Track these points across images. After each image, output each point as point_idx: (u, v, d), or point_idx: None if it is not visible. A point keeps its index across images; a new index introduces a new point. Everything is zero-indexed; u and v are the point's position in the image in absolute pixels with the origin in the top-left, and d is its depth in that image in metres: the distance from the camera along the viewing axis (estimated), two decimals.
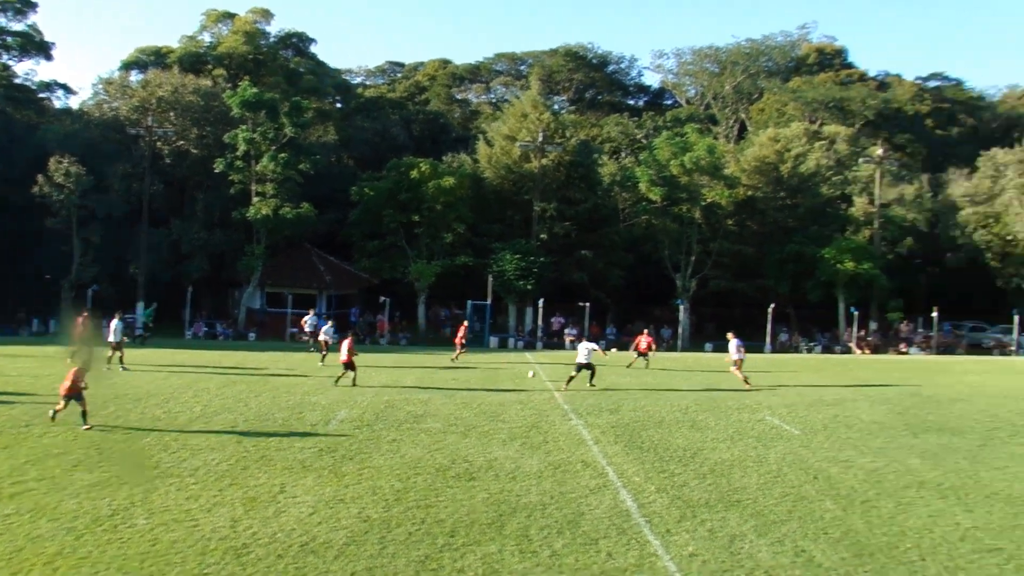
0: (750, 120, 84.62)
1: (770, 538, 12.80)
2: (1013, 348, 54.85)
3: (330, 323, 38.02)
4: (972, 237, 58.92)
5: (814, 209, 59.22)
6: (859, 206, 61.61)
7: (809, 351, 51.96)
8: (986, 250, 58.38)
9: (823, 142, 65.20)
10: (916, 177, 70.30)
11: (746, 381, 30.41)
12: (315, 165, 52.02)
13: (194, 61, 66.44)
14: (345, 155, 70.71)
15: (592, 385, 29.07)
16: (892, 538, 13.07)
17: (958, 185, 64.97)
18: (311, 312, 42.88)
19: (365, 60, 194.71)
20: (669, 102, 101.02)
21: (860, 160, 62.86)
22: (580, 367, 29.03)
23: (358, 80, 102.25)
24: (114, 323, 30.93)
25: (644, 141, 68.83)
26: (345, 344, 28.39)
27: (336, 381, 28.21)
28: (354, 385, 27.82)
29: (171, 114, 56.57)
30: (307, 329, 41.17)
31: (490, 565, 11.24)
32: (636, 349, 36.81)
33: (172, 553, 11.33)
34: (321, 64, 76.27)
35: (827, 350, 52.80)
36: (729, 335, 31.85)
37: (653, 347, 37.82)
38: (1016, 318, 54.34)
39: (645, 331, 37.87)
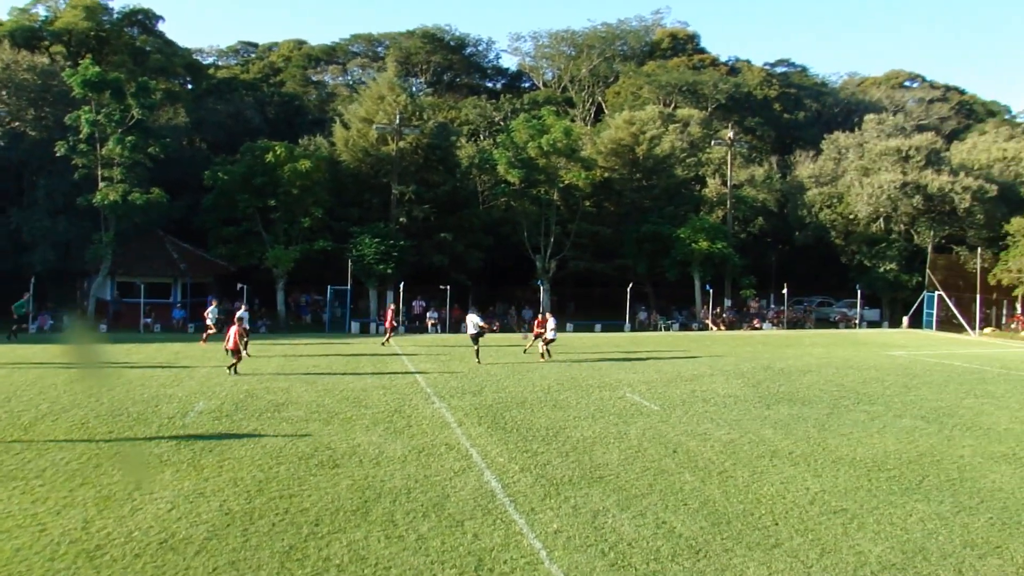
0: (606, 103, 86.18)
1: (632, 512, 13.13)
2: (856, 321, 57.91)
3: (214, 304, 37.03)
4: (818, 216, 61.86)
5: (669, 190, 60.88)
6: (712, 187, 63.71)
7: (667, 329, 53.42)
8: (831, 228, 61.35)
9: (677, 125, 67.10)
10: (766, 159, 73.37)
11: (543, 356, 32.92)
12: (165, 149, 49.87)
13: (28, 36, 62.67)
14: (197, 138, 68.29)
15: (478, 362, 30.93)
16: (748, 506, 13.61)
17: (804, 167, 68.21)
18: (214, 303, 40.54)
19: (217, 40, 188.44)
20: (527, 84, 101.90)
21: (712, 142, 64.94)
22: (474, 338, 31.83)
23: (209, 60, 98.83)
24: None
25: (502, 124, 69.14)
26: (232, 331, 28.14)
27: (231, 369, 27.68)
28: (234, 372, 27.42)
29: (3, 92, 53.38)
30: (209, 321, 39.05)
31: (356, 552, 11.14)
32: (536, 331, 37.29)
33: (16, 562, 10.69)
34: (170, 43, 73.29)
35: (684, 327, 54.43)
36: (548, 315, 35.00)
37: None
38: (859, 292, 57.45)
39: (548, 314, 38.41)
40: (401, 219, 53.30)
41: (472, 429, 18.98)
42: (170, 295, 50.65)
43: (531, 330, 37.70)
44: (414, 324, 50.39)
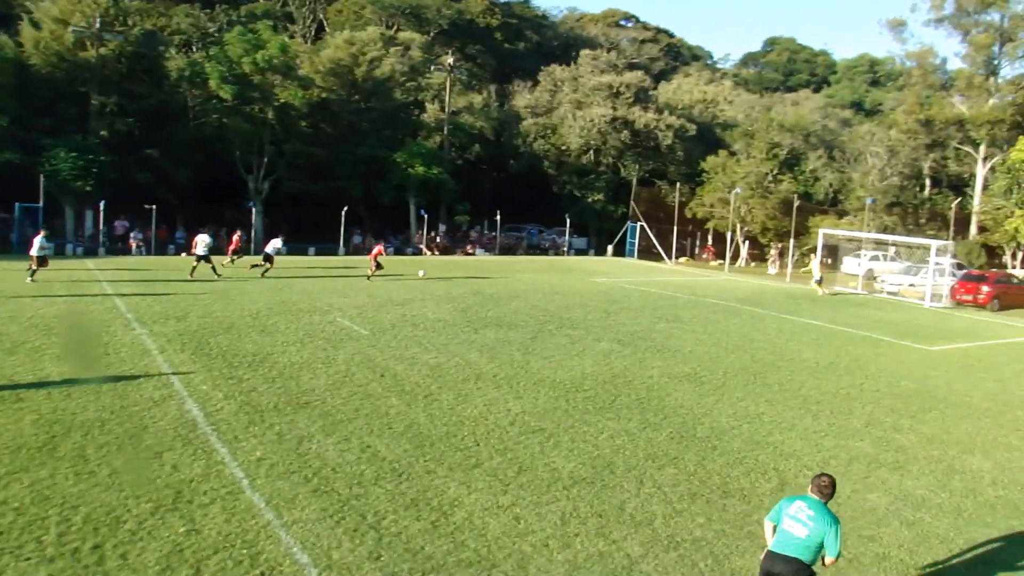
0: (328, 21, 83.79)
1: (337, 436, 13.11)
2: (565, 248, 60.72)
3: (43, 234, 32.15)
4: (532, 146, 63.98)
5: (387, 113, 60.44)
6: (431, 112, 64.04)
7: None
8: (544, 158, 63.63)
9: (398, 48, 66.52)
10: (485, 87, 74.62)
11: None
12: None
13: None
14: None
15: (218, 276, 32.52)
16: (451, 427, 13.98)
17: (521, 97, 70.08)
18: (41, 233, 34.31)
19: None
20: None
21: (433, 68, 65.04)
22: (200, 258, 32.92)
23: None
24: None
25: (216, 35, 65.39)
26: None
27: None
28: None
29: None
30: (34, 253, 32.62)
31: (39, 492, 10.30)
32: (374, 259, 36.32)
33: None
34: None
35: (399, 252, 54.71)
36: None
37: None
38: (568, 221, 60.15)
39: (381, 243, 37.48)
40: (102, 132, 49.21)
41: (175, 356, 18.11)
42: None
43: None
44: (116, 245, 47.18)
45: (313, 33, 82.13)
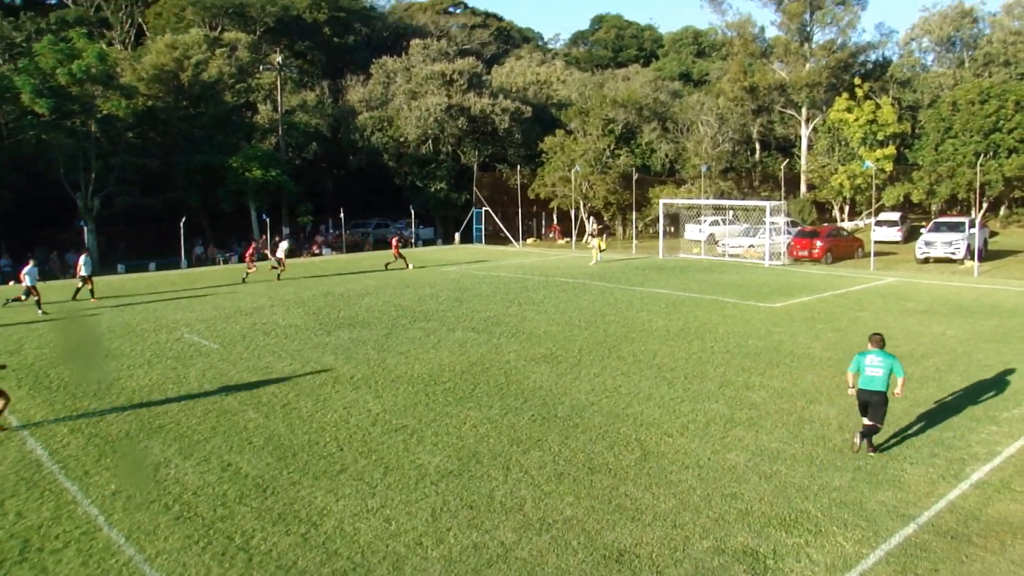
0: (147, 25, 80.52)
1: (196, 458, 12.78)
2: (413, 240, 60.50)
3: (31, 264, 29.87)
4: (370, 140, 63.31)
5: (219, 118, 58.67)
6: (264, 113, 62.59)
7: (226, 262, 52.04)
8: (383, 151, 63.12)
9: (224, 49, 64.53)
10: (317, 84, 73.31)
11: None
12: None
13: None
14: None
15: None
16: (313, 435, 13.83)
17: (355, 91, 69.24)
18: (31, 263, 30.47)
19: None
20: (54, 1, 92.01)
21: (262, 67, 63.58)
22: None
23: None
24: None
25: (25, 46, 61.92)
26: None
27: None
28: None
29: None
30: (27, 283, 29.50)
31: None
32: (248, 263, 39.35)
33: None
34: None
35: (244, 259, 53.26)
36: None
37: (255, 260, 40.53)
38: (413, 212, 59.98)
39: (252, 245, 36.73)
40: None
41: (11, 393, 17.17)
42: None
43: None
44: None
45: (132, 38, 78.71)
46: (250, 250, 38.97)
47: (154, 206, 52.58)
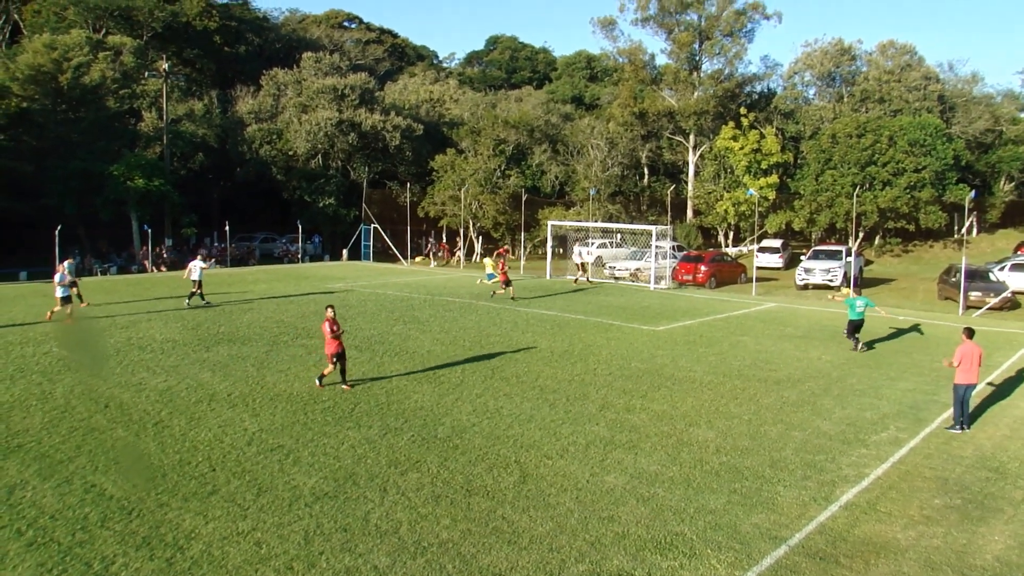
0: (24, 23, 77.43)
1: (56, 479, 12.20)
2: (299, 256, 59.53)
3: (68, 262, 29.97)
4: (259, 152, 62.13)
5: (100, 123, 56.69)
6: (148, 121, 60.78)
7: (104, 273, 50.25)
8: (272, 165, 62.00)
9: (108, 53, 62.47)
10: (206, 93, 71.68)
11: None
12: None
13: None
14: None
15: None
16: (184, 455, 13.37)
17: (244, 102, 67.90)
18: (68, 260, 31.01)
19: None
20: None
21: (147, 74, 61.80)
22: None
23: None
24: None
25: None
26: None
27: None
28: None
29: None
30: (66, 280, 28.73)
31: None
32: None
33: None
34: None
35: (123, 270, 51.61)
36: None
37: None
38: (300, 227, 59.06)
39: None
40: None
41: None
42: None
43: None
44: None
45: (8, 36, 75.58)
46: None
47: (25, 212, 50.38)
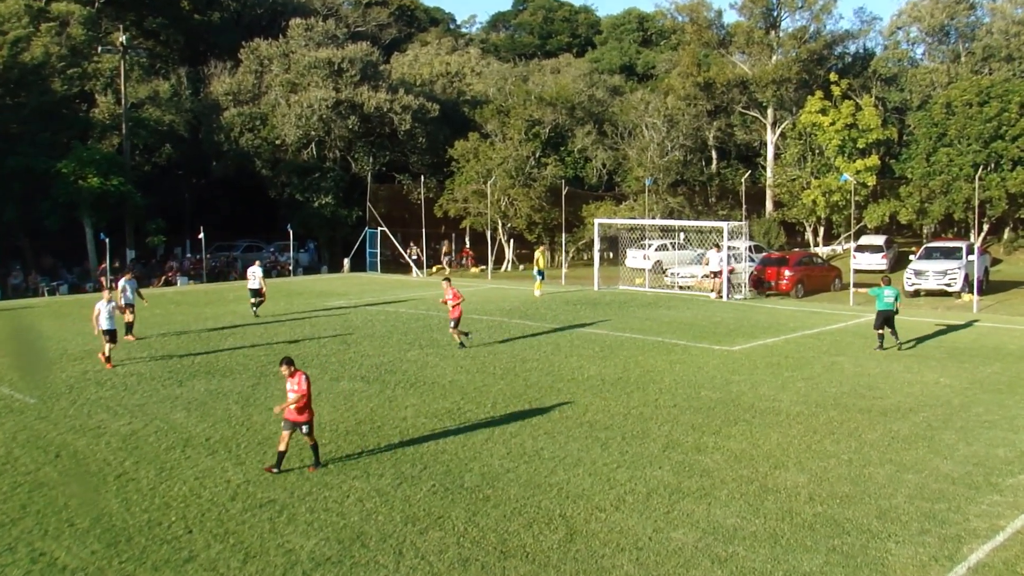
0: None
1: None
2: (291, 267, 59.76)
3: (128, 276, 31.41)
4: (239, 142, 62.45)
5: (44, 110, 57.43)
6: (104, 106, 61.55)
7: (53, 293, 50.90)
8: (255, 157, 62.30)
9: (53, 24, 63.37)
10: (173, 71, 72.23)
11: None
12: None
13: None
14: None
15: None
16: (154, 514, 13.46)
17: (220, 81, 68.27)
18: (128, 275, 32.41)
19: None
20: None
21: (101, 49, 62.46)
22: None
23: None
24: None
25: None
26: None
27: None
28: None
29: None
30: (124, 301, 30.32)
31: None
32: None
33: None
34: None
35: (76, 289, 52.23)
36: None
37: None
38: (291, 232, 58.94)
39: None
40: None
41: None
42: None
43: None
44: None
45: None
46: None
47: None
